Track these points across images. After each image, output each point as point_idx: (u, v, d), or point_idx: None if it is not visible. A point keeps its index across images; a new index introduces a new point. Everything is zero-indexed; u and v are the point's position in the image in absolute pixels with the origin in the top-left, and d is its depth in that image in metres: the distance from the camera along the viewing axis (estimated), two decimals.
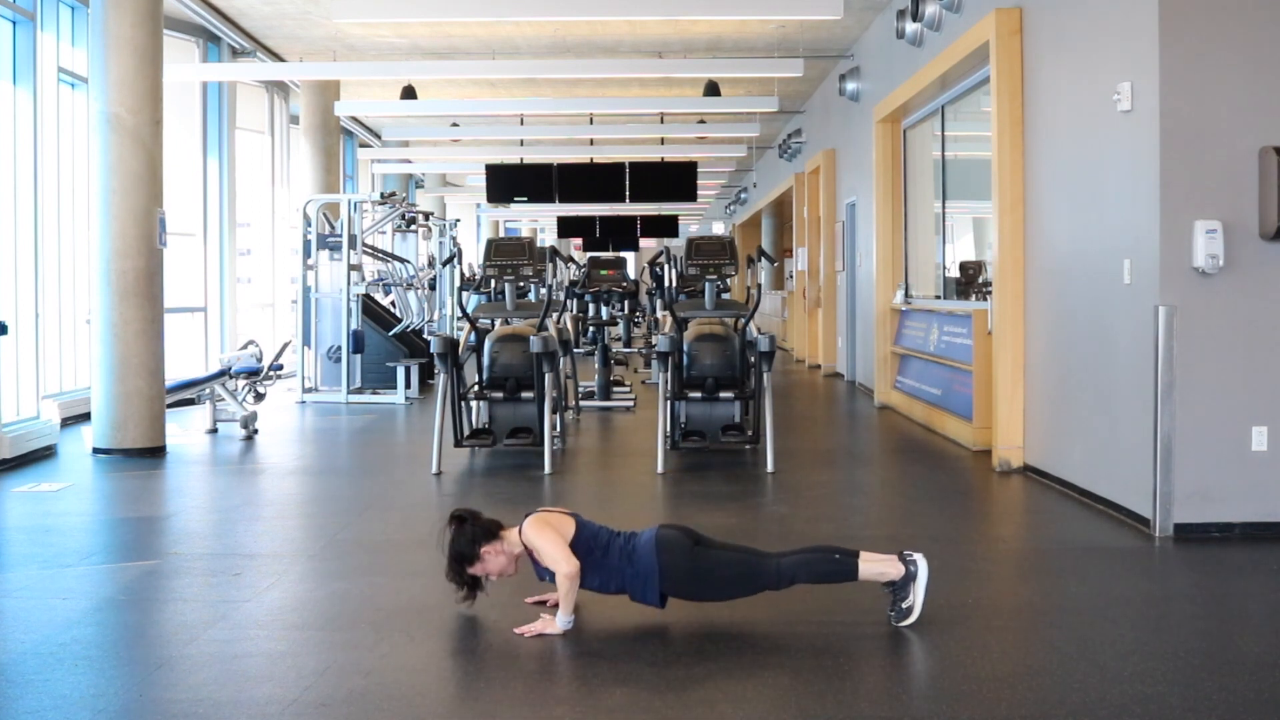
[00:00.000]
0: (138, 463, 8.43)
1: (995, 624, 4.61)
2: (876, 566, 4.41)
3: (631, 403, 11.86)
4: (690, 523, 4.57)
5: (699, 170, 17.79)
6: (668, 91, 16.60)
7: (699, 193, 19.70)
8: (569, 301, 12.78)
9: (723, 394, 8.38)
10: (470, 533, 4.47)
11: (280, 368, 11.03)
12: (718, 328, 8.70)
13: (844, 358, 15.10)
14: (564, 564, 4.35)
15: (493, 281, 9.97)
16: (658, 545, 4.42)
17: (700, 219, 37.86)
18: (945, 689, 3.79)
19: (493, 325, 8.95)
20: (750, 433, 8.46)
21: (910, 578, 4.38)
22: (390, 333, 13.25)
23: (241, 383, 10.25)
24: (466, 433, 8.44)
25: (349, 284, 12.50)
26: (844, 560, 4.42)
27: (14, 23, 9.38)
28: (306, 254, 12.98)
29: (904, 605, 4.38)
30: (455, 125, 18.59)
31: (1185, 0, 5.86)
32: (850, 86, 13.60)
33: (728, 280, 9.00)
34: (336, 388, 12.75)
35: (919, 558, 4.41)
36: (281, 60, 14.34)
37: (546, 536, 4.41)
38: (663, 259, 11.19)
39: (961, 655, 4.13)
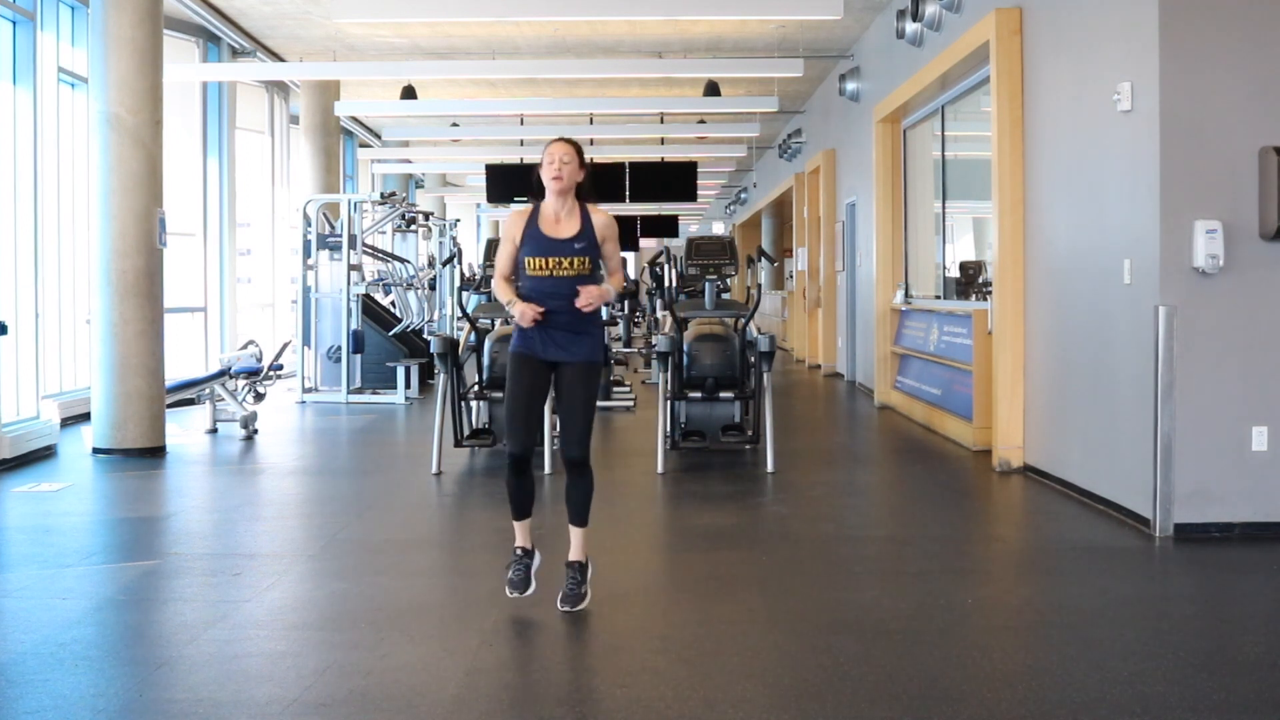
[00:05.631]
0: (138, 463, 8.43)
1: (995, 624, 4.61)
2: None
3: (631, 403, 11.85)
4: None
5: (699, 170, 17.78)
6: (668, 91, 16.59)
7: (699, 193, 19.69)
8: None
9: (723, 394, 8.38)
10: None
11: (280, 368, 11.02)
12: (718, 328, 8.70)
13: (844, 358, 15.09)
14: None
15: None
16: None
17: (700, 219, 37.85)
18: (945, 689, 3.79)
19: (493, 325, 8.95)
20: (750, 433, 8.46)
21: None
22: (390, 333, 13.25)
23: (241, 383, 10.25)
24: (466, 433, 8.44)
25: (349, 284, 12.50)
26: None
27: (14, 23, 9.38)
28: (306, 254, 12.98)
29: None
30: (455, 125, 18.59)
31: (1185, 0, 5.86)
32: (850, 86, 13.60)
33: (728, 280, 9.01)
34: (336, 388, 12.75)
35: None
36: (281, 60, 14.34)
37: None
38: (663, 259, 11.20)
39: (961, 655, 4.13)
